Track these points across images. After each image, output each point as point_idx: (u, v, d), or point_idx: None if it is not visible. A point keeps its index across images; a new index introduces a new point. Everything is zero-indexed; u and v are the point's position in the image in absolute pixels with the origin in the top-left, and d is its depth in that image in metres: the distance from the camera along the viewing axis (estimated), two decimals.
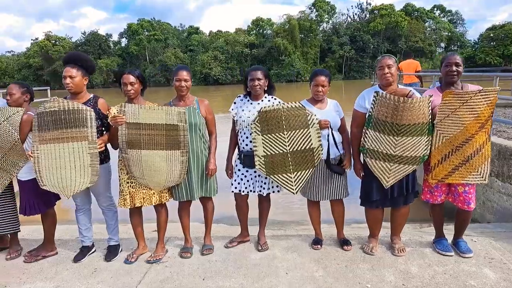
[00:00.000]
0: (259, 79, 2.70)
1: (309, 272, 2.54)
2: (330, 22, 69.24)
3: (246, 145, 2.76)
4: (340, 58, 63.50)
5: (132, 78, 2.66)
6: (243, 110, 2.77)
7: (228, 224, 3.82)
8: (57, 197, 2.95)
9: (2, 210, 2.88)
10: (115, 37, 75.66)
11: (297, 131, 2.65)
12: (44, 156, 2.60)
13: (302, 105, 2.66)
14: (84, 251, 2.92)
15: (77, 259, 2.84)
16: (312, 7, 66.74)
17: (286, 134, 2.66)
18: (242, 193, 2.84)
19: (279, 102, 2.76)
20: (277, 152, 2.68)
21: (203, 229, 3.04)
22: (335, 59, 63.58)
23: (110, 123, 2.62)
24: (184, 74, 2.70)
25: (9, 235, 3.03)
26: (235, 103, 2.85)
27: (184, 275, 2.58)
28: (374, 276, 2.47)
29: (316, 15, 66.99)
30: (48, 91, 10.36)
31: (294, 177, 2.71)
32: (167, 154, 2.64)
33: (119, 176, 2.76)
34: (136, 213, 2.86)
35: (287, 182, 2.72)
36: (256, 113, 2.70)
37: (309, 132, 2.64)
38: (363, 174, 2.69)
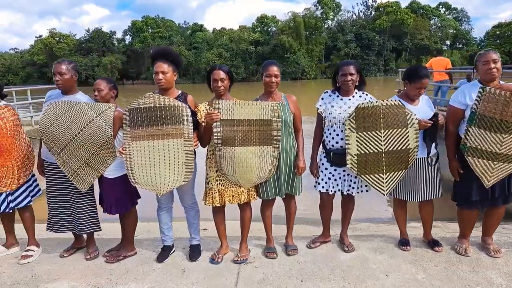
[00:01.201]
0: (351, 74, 2.61)
1: (410, 275, 2.47)
2: (335, 19, 68.98)
3: (337, 142, 2.68)
4: (345, 56, 63.21)
5: (222, 74, 2.59)
6: (332, 106, 2.69)
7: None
8: (138, 195, 2.89)
9: (83, 209, 2.82)
10: (119, 35, 75.27)
11: (395, 130, 2.57)
12: (137, 153, 2.54)
13: (401, 103, 2.58)
14: (166, 250, 2.86)
15: (160, 259, 2.78)
16: (317, 4, 66.39)
17: (383, 132, 2.58)
18: (330, 193, 2.77)
19: (371, 98, 2.68)
20: (371, 151, 2.60)
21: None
22: (340, 57, 63.25)
23: (204, 120, 2.54)
24: (275, 70, 2.62)
25: (85, 234, 2.97)
26: (322, 98, 2.76)
27: (279, 276, 2.51)
28: (480, 278, 2.39)
29: (321, 12, 66.72)
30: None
31: (386, 178, 2.64)
32: (260, 150, 2.57)
33: (207, 174, 2.69)
34: (220, 211, 2.79)
35: (378, 183, 2.64)
36: (350, 109, 2.62)
37: (407, 132, 2.56)
38: (461, 172, 2.61)
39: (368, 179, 2.63)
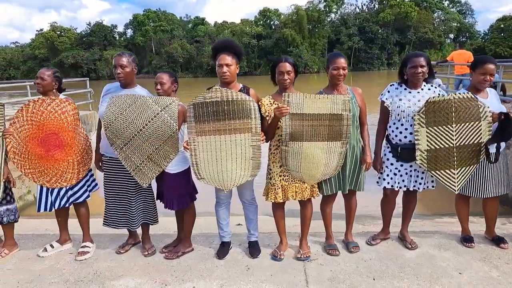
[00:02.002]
0: (422, 66, 2.52)
1: (483, 272, 2.43)
2: (339, 12, 68.41)
3: (405, 137, 2.61)
4: (349, 50, 62.85)
5: (289, 66, 2.51)
6: (400, 100, 2.61)
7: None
8: (196, 191, 2.84)
9: (144, 202, 2.77)
10: (120, 28, 74.76)
11: (467, 124, 2.50)
12: (202, 148, 2.47)
13: (474, 96, 2.51)
14: (225, 246, 2.81)
15: (221, 255, 2.73)
16: None
17: (455, 127, 2.51)
18: (396, 189, 2.71)
19: (440, 91, 2.61)
20: (442, 146, 2.54)
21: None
22: (343, 50, 62.81)
23: (268, 114, 2.48)
24: (343, 62, 2.54)
25: (138, 230, 2.93)
26: (388, 91, 2.69)
27: (349, 274, 2.47)
28: None
29: (324, 5, 66.14)
30: (88, 82, 10.16)
31: (457, 174, 2.58)
32: (328, 146, 2.51)
33: (270, 169, 2.63)
34: (281, 207, 2.74)
35: (449, 179, 2.58)
36: (420, 102, 2.54)
37: (480, 125, 2.50)
38: None
39: (439, 175, 2.57)
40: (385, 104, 2.67)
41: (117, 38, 73.53)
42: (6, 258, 2.83)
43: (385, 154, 2.75)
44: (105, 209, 2.85)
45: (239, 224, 3.43)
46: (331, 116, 2.45)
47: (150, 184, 2.78)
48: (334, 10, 68.01)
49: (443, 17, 68.75)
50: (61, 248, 2.95)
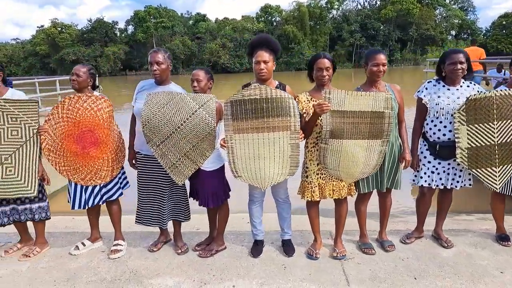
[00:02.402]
0: (461, 63, 2.49)
1: None
2: (340, 9, 68.12)
3: (444, 135, 2.58)
4: (350, 46, 62.70)
5: (327, 63, 2.48)
6: (439, 97, 2.58)
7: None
8: (229, 188, 2.82)
9: (177, 200, 2.75)
10: (121, 25, 74.53)
11: (509, 121, 2.47)
12: (240, 146, 2.45)
13: None
14: (259, 245, 2.79)
15: (256, 254, 2.71)
16: None
17: (496, 124, 2.48)
18: (433, 187, 2.69)
19: (479, 88, 2.58)
20: (483, 144, 2.51)
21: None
22: (345, 47, 62.73)
23: (305, 111, 2.44)
24: (383, 58, 2.51)
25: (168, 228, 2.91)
26: (426, 88, 2.65)
27: (389, 273, 2.45)
28: None
29: (326, 2, 65.84)
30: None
31: (499, 172, 2.55)
32: (368, 144, 2.48)
33: (307, 167, 2.60)
34: (316, 205, 2.72)
35: (490, 177, 2.56)
36: (459, 100, 2.51)
37: None
38: None
39: (480, 173, 2.55)
40: (423, 101, 2.64)
41: (118, 35, 73.27)
42: (38, 257, 2.81)
43: (421, 152, 2.72)
44: (138, 206, 2.83)
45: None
46: (372, 114, 2.42)
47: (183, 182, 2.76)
48: (336, 6, 67.73)
49: (444, 14, 68.46)
50: (92, 246, 2.93)
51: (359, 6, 69.00)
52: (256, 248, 2.77)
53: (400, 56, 64.02)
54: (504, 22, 60.96)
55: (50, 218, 2.87)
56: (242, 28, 64.90)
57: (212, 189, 2.65)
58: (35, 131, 2.61)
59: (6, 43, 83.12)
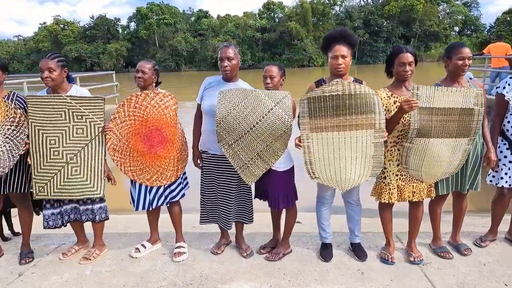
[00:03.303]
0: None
1: None
2: (343, 5, 67.74)
3: None
4: None
5: (411, 57, 2.35)
6: None
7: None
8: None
9: (242, 201, 2.65)
10: (123, 21, 74.51)
11: None
12: (317, 146, 2.33)
13: None
14: (329, 248, 2.68)
15: (327, 258, 2.61)
16: None
17: None
18: None
19: None
20: None
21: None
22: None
23: (385, 108, 2.33)
24: (468, 52, 2.38)
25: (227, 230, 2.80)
26: (509, 84, 2.53)
27: (476, 279, 2.34)
28: None
29: None
30: (114, 75, 9.98)
31: None
32: (455, 143, 2.36)
33: (385, 168, 2.48)
34: (390, 208, 2.61)
35: None
36: None
37: None
38: None
39: None
40: (505, 98, 2.52)
41: (120, 32, 73.01)
42: (98, 259, 2.71)
43: (501, 151, 2.61)
44: (202, 207, 2.73)
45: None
46: (461, 111, 2.30)
47: None
48: (339, 2, 67.34)
49: (448, 10, 68.07)
50: (152, 248, 2.83)
51: (362, 2, 68.60)
52: (327, 251, 2.66)
53: None
54: (508, 18, 60.48)
55: (108, 218, 2.77)
56: (244, 24, 64.59)
57: (283, 190, 2.54)
58: (100, 129, 2.49)
59: (8, 40, 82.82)
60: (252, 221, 2.74)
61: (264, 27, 63.82)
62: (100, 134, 2.50)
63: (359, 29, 61.25)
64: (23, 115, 2.51)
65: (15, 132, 2.50)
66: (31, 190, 2.56)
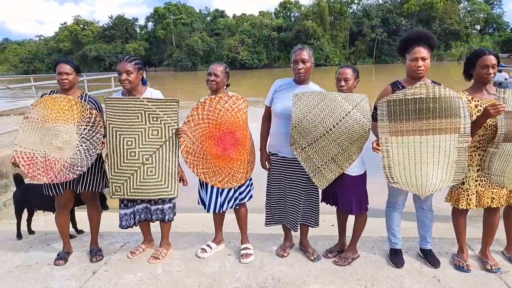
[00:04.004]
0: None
1: None
2: (361, 3, 66.90)
3: None
4: (371, 42, 61.53)
5: (494, 60, 2.28)
6: None
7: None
8: None
9: (310, 204, 2.63)
10: (141, 21, 75.65)
11: None
12: (397, 150, 2.30)
13: None
14: (400, 255, 2.63)
15: (398, 264, 2.56)
16: None
17: None
18: None
19: None
20: None
21: None
22: (365, 43, 61.65)
23: (488, 111, 2.23)
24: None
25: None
26: None
27: None
28: None
29: None
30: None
31: None
32: None
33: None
34: (465, 214, 2.54)
35: None
36: None
37: None
38: None
39: None
40: None
41: (138, 31, 74.09)
42: (166, 259, 2.75)
43: None
44: (268, 208, 2.74)
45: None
46: None
47: None
48: (356, 1, 66.56)
49: (469, 8, 66.28)
50: (217, 249, 2.85)
51: (380, 1, 67.57)
52: (397, 257, 2.61)
53: None
54: None
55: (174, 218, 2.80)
56: (260, 24, 64.56)
57: (356, 195, 2.52)
58: (173, 131, 2.52)
59: (30, 40, 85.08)
60: (318, 224, 2.73)
61: (280, 26, 63.66)
62: (173, 136, 2.52)
63: (377, 28, 60.39)
64: (98, 115, 2.57)
65: (91, 132, 2.56)
66: (107, 188, 2.61)
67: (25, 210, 3.33)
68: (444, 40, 62.70)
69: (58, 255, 2.76)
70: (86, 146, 2.55)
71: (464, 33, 63.29)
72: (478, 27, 67.11)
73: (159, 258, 2.71)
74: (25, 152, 2.54)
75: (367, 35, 61.00)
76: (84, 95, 2.69)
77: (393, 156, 2.31)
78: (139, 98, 2.49)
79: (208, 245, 2.83)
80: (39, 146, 2.54)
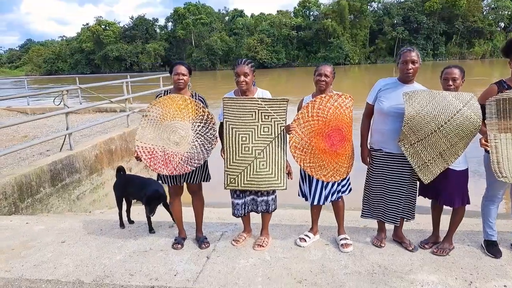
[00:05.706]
0: None
1: None
2: (381, 1, 65.95)
3: None
4: (392, 40, 60.64)
5: None
6: None
7: None
8: None
9: (409, 198, 2.78)
10: (161, 22, 76.82)
11: None
12: (506, 146, 2.43)
13: None
14: (497, 246, 2.75)
15: (497, 255, 2.67)
16: None
17: None
18: None
19: None
20: None
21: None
22: (386, 41, 60.81)
23: None
24: None
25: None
26: None
27: None
28: None
29: None
30: (161, 78, 10.30)
31: None
32: None
33: None
34: None
35: None
36: None
37: None
38: None
39: None
40: None
41: (158, 32, 75.22)
42: (269, 247, 2.94)
43: None
44: (366, 201, 2.91)
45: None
46: None
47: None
48: None
49: (493, 5, 64.35)
50: (314, 239, 3.03)
51: None
52: (495, 248, 2.73)
53: (445, 50, 61.18)
54: None
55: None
56: (279, 23, 64.54)
57: (460, 189, 2.65)
58: (282, 128, 2.72)
59: (53, 40, 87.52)
60: (414, 217, 2.87)
61: (299, 25, 63.53)
62: (282, 132, 2.72)
63: (398, 26, 59.53)
64: (211, 114, 2.79)
65: (204, 128, 2.79)
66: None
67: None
68: (467, 38, 61.19)
69: (175, 239, 3.01)
70: (201, 141, 2.78)
71: (488, 30, 61.57)
72: (502, 24, 65.13)
73: (263, 246, 2.91)
74: (145, 147, 2.79)
75: (387, 34, 60.19)
76: (194, 94, 2.91)
77: (502, 151, 2.44)
78: (254, 98, 2.70)
79: (306, 235, 3.01)
80: (158, 141, 2.79)
